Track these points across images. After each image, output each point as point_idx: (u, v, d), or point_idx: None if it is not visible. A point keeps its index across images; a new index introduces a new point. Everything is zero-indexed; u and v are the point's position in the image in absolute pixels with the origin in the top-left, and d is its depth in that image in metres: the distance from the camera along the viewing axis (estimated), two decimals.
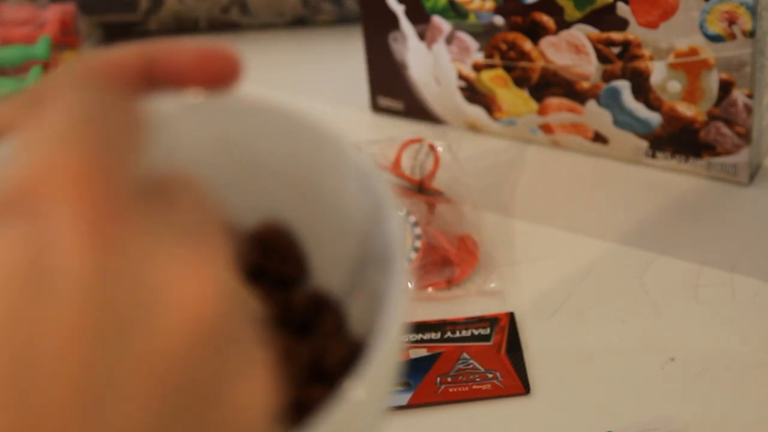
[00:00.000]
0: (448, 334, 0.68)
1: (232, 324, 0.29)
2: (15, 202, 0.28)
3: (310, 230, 0.40)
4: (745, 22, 0.71)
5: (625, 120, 0.78)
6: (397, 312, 0.34)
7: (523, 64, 0.79)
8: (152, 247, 0.28)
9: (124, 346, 0.27)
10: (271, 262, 0.39)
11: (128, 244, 0.28)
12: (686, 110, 0.76)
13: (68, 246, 0.27)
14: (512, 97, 0.81)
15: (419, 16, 0.80)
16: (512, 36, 0.78)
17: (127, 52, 0.38)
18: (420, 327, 0.69)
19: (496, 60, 0.79)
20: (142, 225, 0.28)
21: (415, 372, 0.66)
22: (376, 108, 0.86)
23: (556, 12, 0.76)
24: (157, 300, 0.28)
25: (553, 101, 0.79)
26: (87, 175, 0.28)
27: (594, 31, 0.75)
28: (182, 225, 0.29)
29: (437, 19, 0.80)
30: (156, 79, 0.38)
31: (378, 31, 0.83)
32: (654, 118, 0.77)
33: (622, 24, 0.74)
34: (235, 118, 0.39)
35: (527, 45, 0.78)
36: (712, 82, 0.74)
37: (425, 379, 0.66)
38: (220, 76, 0.38)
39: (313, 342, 0.38)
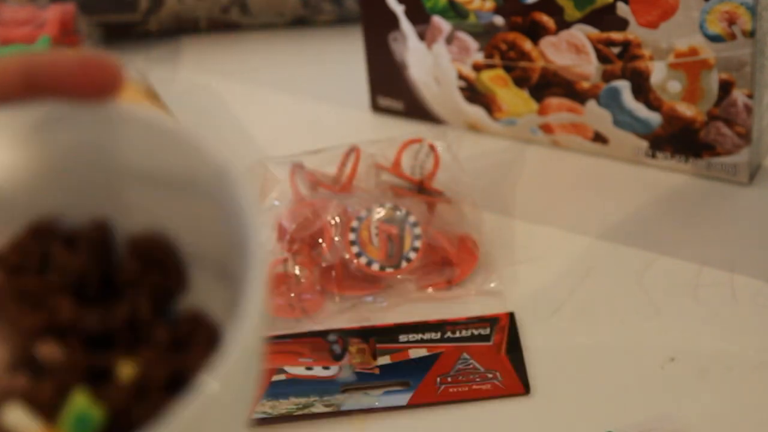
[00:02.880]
0: (448, 334, 0.68)
1: None
2: None
3: (185, 236, 0.39)
4: (745, 22, 0.71)
5: (625, 120, 0.78)
6: (253, 303, 0.33)
7: (523, 64, 0.79)
8: None
9: None
10: (151, 274, 0.38)
11: None
12: (686, 110, 0.76)
13: None
14: (512, 97, 0.81)
15: (419, 16, 0.80)
16: (512, 36, 0.78)
17: (9, 61, 0.39)
18: (420, 327, 0.69)
19: (496, 60, 0.79)
20: None
21: (415, 372, 0.66)
22: (376, 108, 0.86)
23: (556, 12, 0.76)
24: None
25: (553, 101, 0.79)
26: None
27: (594, 31, 0.75)
28: None
29: (437, 19, 0.80)
30: (37, 87, 0.39)
31: (378, 31, 0.83)
32: (654, 118, 0.77)
33: (622, 24, 0.74)
34: (108, 126, 0.39)
35: (527, 45, 0.78)
36: (712, 82, 0.74)
37: (425, 379, 0.66)
38: (100, 85, 0.38)
39: (183, 358, 0.37)
